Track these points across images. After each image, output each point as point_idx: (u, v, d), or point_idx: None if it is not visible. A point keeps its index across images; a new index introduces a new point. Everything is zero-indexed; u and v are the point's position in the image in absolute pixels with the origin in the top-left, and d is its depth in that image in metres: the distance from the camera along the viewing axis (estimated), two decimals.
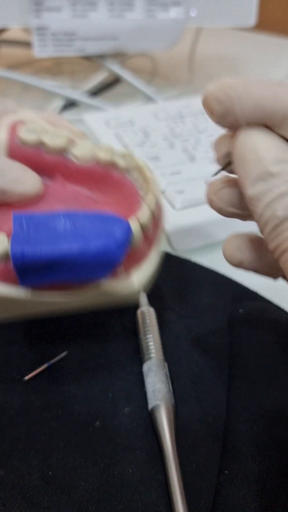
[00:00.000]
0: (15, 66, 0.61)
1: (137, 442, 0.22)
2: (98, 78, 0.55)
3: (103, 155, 0.24)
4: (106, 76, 0.55)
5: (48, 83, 0.53)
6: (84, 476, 0.21)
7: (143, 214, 0.21)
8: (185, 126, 0.43)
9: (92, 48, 0.51)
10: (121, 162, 0.24)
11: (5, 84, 0.58)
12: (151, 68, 0.63)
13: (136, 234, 0.20)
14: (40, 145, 0.23)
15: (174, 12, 0.51)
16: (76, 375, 0.25)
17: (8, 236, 0.20)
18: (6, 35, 0.59)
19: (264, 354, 0.26)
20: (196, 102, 0.48)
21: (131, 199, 0.23)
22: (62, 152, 0.24)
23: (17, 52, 0.62)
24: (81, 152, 0.24)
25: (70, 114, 0.51)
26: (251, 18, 0.54)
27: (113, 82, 0.56)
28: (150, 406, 0.23)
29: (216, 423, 0.23)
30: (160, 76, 0.62)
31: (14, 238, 0.19)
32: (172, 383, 0.24)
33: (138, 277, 0.22)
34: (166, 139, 0.42)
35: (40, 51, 0.49)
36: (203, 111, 0.50)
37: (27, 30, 0.51)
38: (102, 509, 0.20)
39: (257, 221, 0.18)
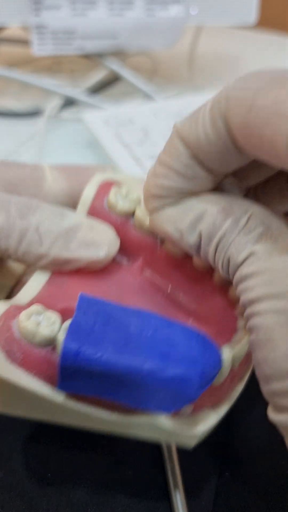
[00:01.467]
0: (14, 64, 0.61)
1: (137, 444, 0.22)
2: (98, 76, 0.55)
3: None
4: (106, 74, 0.55)
5: (47, 82, 0.53)
6: (83, 478, 0.21)
7: (241, 349, 0.17)
8: None
9: (92, 46, 0.50)
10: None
11: (4, 83, 0.58)
12: (151, 67, 0.63)
13: (225, 370, 0.16)
14: (131, 216, 0.20)
15: (174, 11, 0.50)
16: None
17: (63, 316, 0.16)
18: (5, 34, 0.59)
19: None
20: (196, 101, 0.47)
21: (224, 317, 0.19)
22: (155, 234, 0.19)
23: (16, 51, 0.62)
24: None
25: (69, 113, 0.51)
26: (252, 16, 0.54)
27: (113, 80, 0.56)
28: None
29: (216, 425, 0.23)
30: (160, 75, 0.62)
31: (72, 329, 0.15)
32: None
33: (203, 424, 0.17)
34: (166, 138, 0.41)
35: (39, 49, 0.49)
36: None
37: (26, 29, 0.50)
38: (102, 511, 0.20)
39: None
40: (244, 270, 0.15)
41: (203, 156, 0.16)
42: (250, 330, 0.15)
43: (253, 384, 0.26)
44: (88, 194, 0.20)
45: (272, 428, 0.23)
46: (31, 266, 0.19)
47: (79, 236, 0.18)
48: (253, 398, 0.24)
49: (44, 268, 0.19)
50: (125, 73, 0.54)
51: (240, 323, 0.18)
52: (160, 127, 0.43)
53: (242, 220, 0.16)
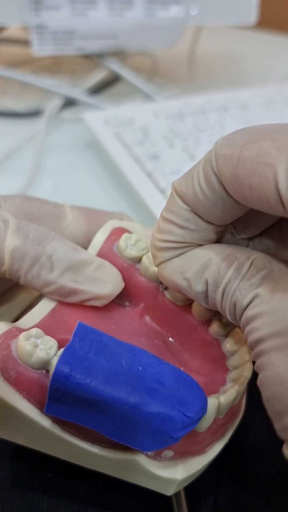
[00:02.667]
0: (14, 64, 0.61)
1: None
2: (98, 76, 0.55)
3: (200, 305, 0.19)
4: (106, 74, 0.55)
5: (47, 82, 0.53)
6: (83, 478, 0.21)
7: (227, 398, 0.17)
8: (185, 125, 0.43)
9: (92, 46, 0.50)
10: (219, 324, 0.20)
11: (4, 83, 0.58)
12: (151, 67, 0.63)
13: (209, 417, 0.16)
14: (137, 262, 0.21)
15: (174, 11, 0.50)
16: None
17: (59, 344, 0.16)
18: (5, 34, 0.59)
19: None
20: (196, 101, 0.47)
21: (214, 369, 0.19)
22: (158, 280, 0.20)
23: (16, 51, 0.62)
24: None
25: (69, 113, 0.51)
26: (252, 16, 0.54)
27: (113, 80, 0.56)
28: None
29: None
30: (160, 75, 0.62)
31: (66, 353, 0.15)
32: None
33: (184, 470, 0.17)
34: (166, 138, 0.41)
35: (39, 49, 0.49)
36: (203, 110, 0.50)
37: (26, 29, 0.51)
38: (101, 511, 0.20)
39: None
40: (249, 313, 0.16)
41: (202, 210, 0.17)
42: (258, 370, 0.15)
43: (253, 384, 0.26)
44: (100, 236, 0.21)
45: (272, 428, 0.23)
46: (37, 292, 0.20)
47: (88, 271, 0.19)
48: (252, 398, 0.24)
49: (49, 295, 0.19)
50: (125, 73, 0.54)
51: (230, 375, 0.19)
52: (160, 127, 0.43)
53: (245, 266, 0.17)
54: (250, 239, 0.19)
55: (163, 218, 0.18)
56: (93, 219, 0.23)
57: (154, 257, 0.18)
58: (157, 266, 0.18)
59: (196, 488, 0.20)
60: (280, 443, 0.22)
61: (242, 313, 0.16)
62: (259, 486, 0.20)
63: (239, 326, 0.19)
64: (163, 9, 0.50)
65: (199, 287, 0.17)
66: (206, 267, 0.17)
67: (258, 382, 0.15)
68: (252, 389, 0.24)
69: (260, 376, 0.15)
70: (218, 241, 0.18)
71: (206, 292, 0.17)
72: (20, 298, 0.23)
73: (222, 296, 0.17)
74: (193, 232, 0.17)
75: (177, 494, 0.20)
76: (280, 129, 0.15)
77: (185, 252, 0.18)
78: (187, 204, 0.17)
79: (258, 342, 0.15)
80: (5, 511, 0.19)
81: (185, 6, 0.51)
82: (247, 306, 0.16)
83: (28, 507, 0.20)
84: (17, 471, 0.21)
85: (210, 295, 0.17)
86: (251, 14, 0.54)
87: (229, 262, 0.17)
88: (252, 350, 0.16)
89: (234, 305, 0.16)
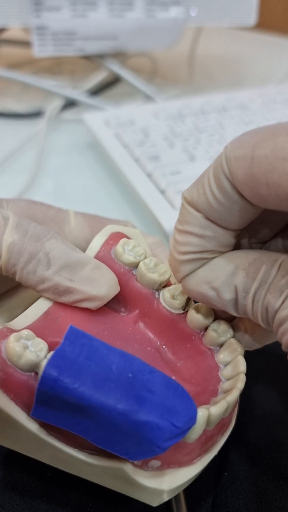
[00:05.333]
0: (15, 65, 0.61)
1: None
2: (98, 77, 0.55)
3: (195, 314, 0.19)
4: (106, 75, 0.55)
5: (48, 83, 0.53)
6: (83, 478, 0.21)
7: (218, 409, 0.17)
8: (185, 126, 0.43)
9: (92, 47, 0.51)
10: (213, 333, 0.19)
11: (5, 84, 0.58)
12: (151, 68, 0.63)
13: (198, 428, 0.16)
14: (134, 268, 0.21)
15: (174, 12, 0.50)
16: None
17: (50, 347, 0.16)
18: (6, 35, 0.59)
19: (264, 355, 0.26)
20: (196, 102, 0.47)
21: (207, 379, 0.19)
22: (154, 287, 0.20)
23: (17, 52, 0.62)
24: (174, 298, 0.20)
25: (70, 114, 0.51)
26: (252, 18, 0.54)
27: (113, 81, 0.56)
28: None
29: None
30: (160, 76, 0.62)
31: (56, 356, 0.15)
32: None
33: (170, 481, 0.17)
34: (166, 138, 0.41)
35: (40, 50, 0.49)
36: (203, 110, 0.50)
37: (27, 30, 0.51)
38: (101, 511, 0.20)
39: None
40: (282, 314, 0.16)
41: (216, 217, 0.16)
42: None
43: (252, 383, 0.26)
44: (98, 240, 0.21)
45: (271, 428, 0.23)
46: (31, 288, 0.20)
47: (84, 271, 0.19)
48: (252, 398, 0.24)
49: (43, 293, 0.19)
50: (125, 74, 0.54)
51: (222, 386, 0.18)
52: (160, 127, 0.43)
53: (273, 268, 0.16)
54: (263, 243, 0.19)
55: (179, 230, 0.17)
56: (96, 225, 0.23)
57: (176, 272, 0.18)
58: (180, 281, 0.18)
59: (195, 488, 0.20)
60: (279, 444, 0.22)
61: (275, 316, 0.16)
62: (258, 487, 0.20)
63: (233, 337, 0.19)
64: (163, 10, 0.50)
65: (228, 295, 0.17)
66: (234, 274, 0.17)
67: None
68: (252, 390, 0.24)
69: None
70: (235, 246, 0.18)
71: (236, 299, 0.17)
72: (21, 298, 0.23)
73: (253, 302, 0.16)
74: (212, 238, 0.17)
75: (176, 495, 0.20)
76: None
77: (208, 262, 0.17)
78: (200, 213, 0.17)
79: None
80: (4, 511, 0.20)
81: (185, 7, 0.51)
82: (279, 308, 0.16)
83: (28, 508, 0.20)
84: (17, 471, 0.21)
85: (240, 302, 0.17)
86: (251, 15, 0.54)
87: (257, 267, 0.17)
88: None
89: (266, 309, 0.16)
